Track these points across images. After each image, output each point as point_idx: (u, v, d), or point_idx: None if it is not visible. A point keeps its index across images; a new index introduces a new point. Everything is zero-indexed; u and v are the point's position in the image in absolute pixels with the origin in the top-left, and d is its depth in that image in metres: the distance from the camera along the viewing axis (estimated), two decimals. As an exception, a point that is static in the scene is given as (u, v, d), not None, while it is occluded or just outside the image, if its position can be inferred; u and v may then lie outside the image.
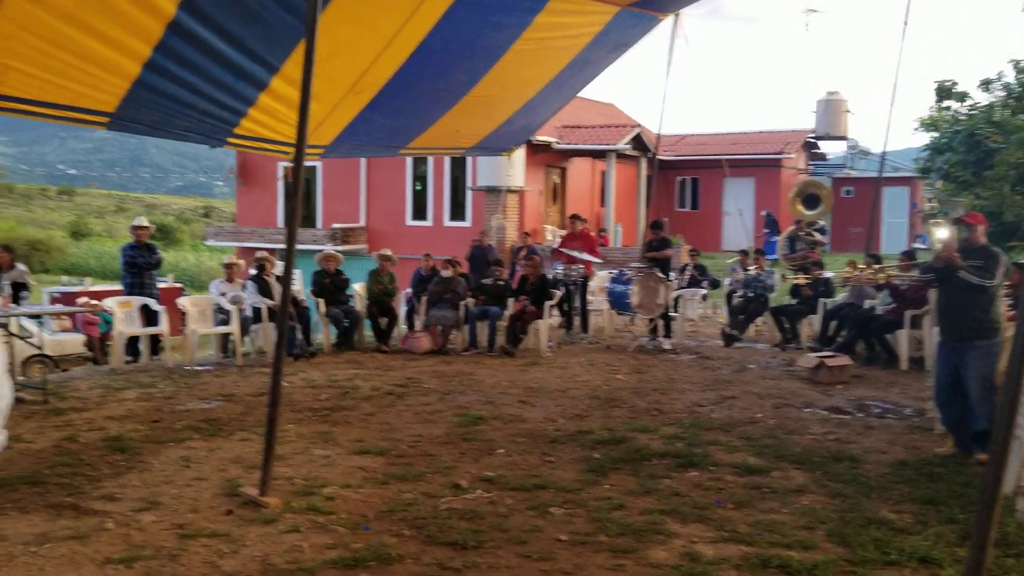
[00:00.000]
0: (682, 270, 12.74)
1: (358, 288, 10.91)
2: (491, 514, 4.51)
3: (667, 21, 8.33)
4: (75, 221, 54.62)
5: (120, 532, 4.11)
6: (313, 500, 4.59)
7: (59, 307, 14.43)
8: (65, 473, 5.07)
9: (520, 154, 18.83)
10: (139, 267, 9.87)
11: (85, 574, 3.60)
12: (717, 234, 25.44)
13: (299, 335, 9.54)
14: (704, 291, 12.70)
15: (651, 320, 10.87)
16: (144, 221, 10.35)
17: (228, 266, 10.37)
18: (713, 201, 26.24)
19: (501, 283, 10.78)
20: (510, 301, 10.47)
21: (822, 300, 10.37)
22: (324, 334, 10.28)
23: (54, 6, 5.64)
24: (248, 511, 4.44)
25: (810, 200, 11.76)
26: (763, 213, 23.39)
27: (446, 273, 10.72)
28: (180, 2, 5.88)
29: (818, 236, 11.93)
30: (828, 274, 10.97)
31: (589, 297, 11.71)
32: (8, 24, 5.47)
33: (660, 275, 10.59)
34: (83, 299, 17.46)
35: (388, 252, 10.99)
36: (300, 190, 4.82)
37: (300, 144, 4.79)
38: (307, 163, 13.83)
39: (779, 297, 11.59)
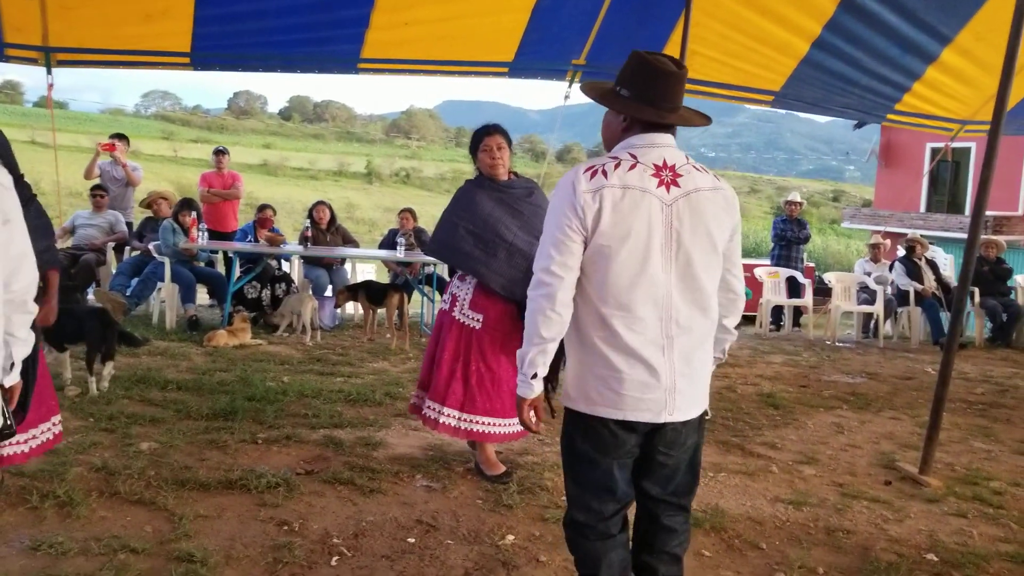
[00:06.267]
0: None
1: (1020, 281, 9.77)
2: None
3: None
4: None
5: (784, 477, 4.45)
6: (979, 490, 4.33)
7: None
8: (728, 417, 5.67)
9: None
10: (788, 240, 10.35)
11: (758, 504, 4.00)
12: None
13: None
14: None
15: None
16: (797, 197, 10.79)
17: (874, 247, 10.25)
18: None
19: None
20: None
21: None
22: (976, 326, 9.45)
23: (738, -8, 6.20)
24: (906, 486, 4.39)
25: None
26: None
27: None
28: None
29: None
30: None
31: None
32: (697, 13, 6.21)
33: None
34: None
35: (1065, 241, 9.57)
36: (992, 166, 4.49)
37: (997, 119, 4.46)
38: (959, 144, 12.71)
39: None
